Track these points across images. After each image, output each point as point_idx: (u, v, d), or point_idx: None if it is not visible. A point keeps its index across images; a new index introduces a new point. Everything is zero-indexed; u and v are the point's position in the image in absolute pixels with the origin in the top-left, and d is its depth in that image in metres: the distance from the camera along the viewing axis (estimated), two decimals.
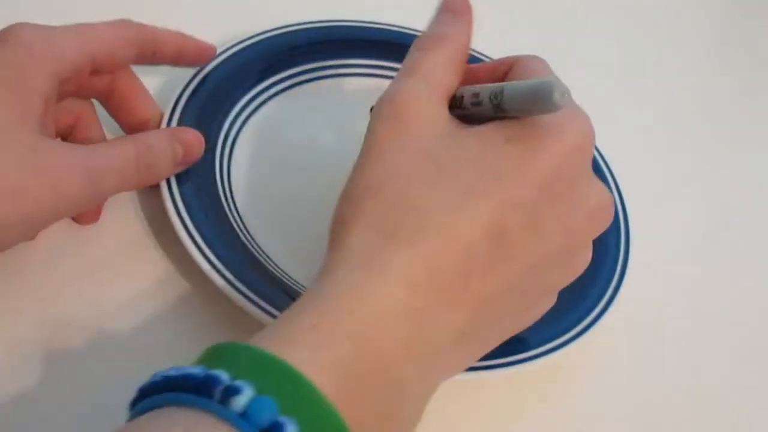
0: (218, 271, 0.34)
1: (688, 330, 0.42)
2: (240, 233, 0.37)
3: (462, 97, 0.32)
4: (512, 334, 0.31)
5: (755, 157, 0.53)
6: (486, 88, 0.30)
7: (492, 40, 0.44)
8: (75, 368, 0.33)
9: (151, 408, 0.23)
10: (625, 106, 0.53)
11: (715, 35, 0.62)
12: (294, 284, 0.36)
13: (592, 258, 0.40)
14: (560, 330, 0.36)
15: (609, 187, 0.42)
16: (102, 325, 0.34)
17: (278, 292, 0.35)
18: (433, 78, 0.31)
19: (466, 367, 0.31)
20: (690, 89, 0.56)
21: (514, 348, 0.35)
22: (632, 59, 0.57)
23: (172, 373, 0.24)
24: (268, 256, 0.37)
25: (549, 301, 0.32)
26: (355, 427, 0.23)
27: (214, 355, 0.25)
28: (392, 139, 0.30)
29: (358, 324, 0.25)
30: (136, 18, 0.37)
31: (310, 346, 0.24)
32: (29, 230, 0.32)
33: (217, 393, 0.22)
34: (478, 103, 0.31)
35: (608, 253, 0.40)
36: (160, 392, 0.24)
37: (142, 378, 0.31)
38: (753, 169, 0.52)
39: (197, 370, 0.23)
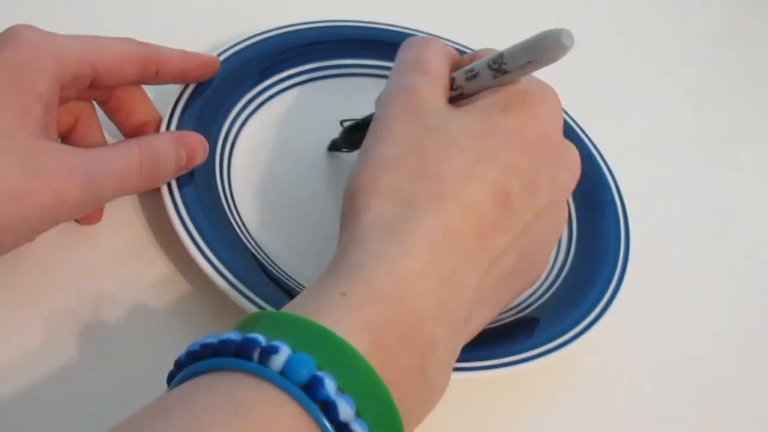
0: (218, 271, 0.34)
1: (688, 330, 0.42)
2: (240, 233, 0.37)
3: (454, 78, 0.34)
4: (514, 298, 0.34)
5: (757, 157, 0.53)
6: (481, 61, 0.33)
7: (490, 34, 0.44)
8: (75, 367, 0.33)
9: (190, 376, 0.24)
10: (626, 104, 0.53)
11: (717, 33, 0.62)
12: (294, 284, 0.36)
13: (592, 257, 0.40)
14: (560, 330, 0.36)
15: (609, 187, 0.43)
16: (102, 325, 0.35)
17: (279, 292, 0.35)
18: (431, 71, 0.34)
19: (479, 331, 0.32)
20: (692, 88, 0.56)
21: (514, 348, 0.35)
22: (632, 57, 0.57)
23: (210, 340, 0.25)
24: (268, 256, 0.37)
25: (543, 265, 0.35)
26: (390, 384, 0.24)
27: (248, 323, 0.26)
28: (403, 120, 0.32)
29: (388, 287, 0.27)
30: (137, 17, 0.37)
31: (342, 310, 0.26)
32: (29, 233, 0.32)
33: (256, 354, 0.24)
34: (473, 76, 0.33)
35: (608, 253, 0.40)
36: (198, 360, 0.25)
37: (142, 378, 0.31)
38: (754, 168, 0.52)
39: (234, 335, 0.24)
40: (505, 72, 0.32)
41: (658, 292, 0.43)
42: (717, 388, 0.40)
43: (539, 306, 0.38)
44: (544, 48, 0.29)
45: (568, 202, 0.35)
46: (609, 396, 0.38)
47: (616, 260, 0.40)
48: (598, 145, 0.44)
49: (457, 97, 0.34)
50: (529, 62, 0.31)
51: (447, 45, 0.37)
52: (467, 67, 0.34)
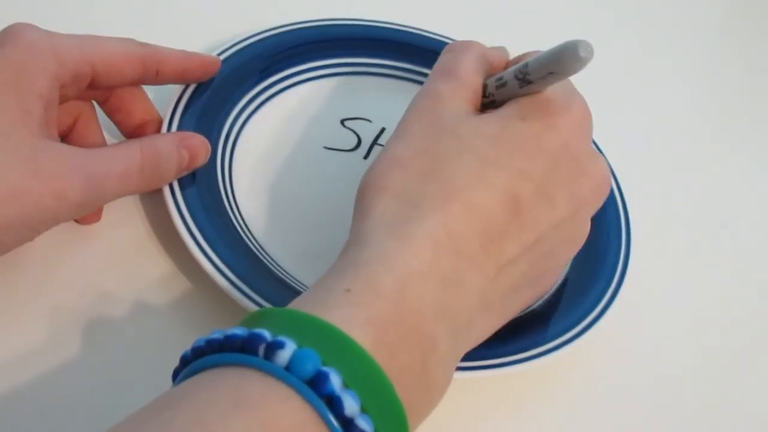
0: (219, 270, 0.34)
1: (689, 330, 0.42)
2: (241, 232, 0.37)
3: (486, 86, 0.35)
4: (524, 307, 0.34)
5: (759, 156, 0.53)
6: (509, 70, 0.33)
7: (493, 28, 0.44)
8: (77, 366, 0.33)
9: (196, 371, 0.24)
10: (626, 103, 0.53)
11: (720, 32, 0.62)
12: (296, 283, 0.36)
13: (593, 257, 0.40)
14: (561, 330, 0.36)
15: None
16: (102, 324, 0.35)
17: (280, 291, 0.35)
18: (460, 77, 0.34)
19: (487, 337, 0.32)
20: (694, 87, 0.56)
21: (514, 347, 0.35)
22: (633, 56, 0.57)
23: (215, 335, 0.25)
24: (269, 255, 0.37)
25: (556, 275, 0.35)
26: (392, 381, 0.25)
27: (253, 319, 0.26)
28: (421, 122, 0.32)
29: (390, 285, 0.27)
30: (137, 17, 0.37)
31: (346, 307, 0.26)
32: (29, 233, 0.32)
33: (261, 350, 0.24)
34: (502, 84, 0.33)
35: (608, 253, 0.40)
36: (203, 356, 0.25)
37: (144, 376, 0.31)
38: (757, 168, 0.52)
39: (240, 331, 0.24)
40: (530, 82, 0.32)
41: (658, 292, 0.43)
42: (717, 388, 0.40)
43: (539, 306, 0.38)
44: (563, 60, 0.30)
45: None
46: (609, 397, 0.38)
47: (617, 260, 0.40)
48: (598, 144, 0.44)
49: (489, 104, 0.34)
50: (550, 73, 0.31)
51: (489, 50, 0.36)
52: (497, 75, 0.34)
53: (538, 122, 0.32)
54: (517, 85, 0.32)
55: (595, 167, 0.33)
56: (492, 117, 0.32)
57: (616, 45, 0.57)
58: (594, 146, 0.44)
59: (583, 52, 0.29)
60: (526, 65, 0.32)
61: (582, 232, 0.34)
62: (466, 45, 0.36)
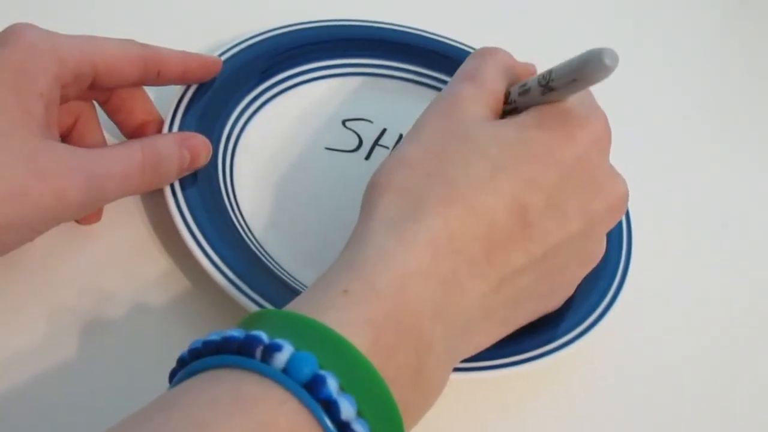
0: (220, 270, 0.34)
1: (689, 330, 0.42)
2: (242, 232, 0.37)
3: (509, 93, 0.34)
4: (531, 320, 0.34)
5: (759, 156, 0.53)
6: (533, 77, 0.33)
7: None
8: (77, 365, 0.33)
9: (193, 373, 0.24)
10: (627, 104, 0.53)
11: (719, 32, 0.62)
12: (296, 283, 0.36)
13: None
14: (562, 331, 0.36)
15: None
16: (102, 323, 0.35)
17: (280, 291, 0.35)
18: (482, 82, 0.33)
19: (489, 345, 0.32)
20: (694, 88, 0.56)
21: (515, 348, 0.35)
22: (633, 56, 0.57)
23: (212, 337, 0.25)
24: (269, 255, 0.37)
25: (567, 292, 0.34)
26: (388, 382, 0.25)
27: (251, 321, 0.26)
28: (435, 124, 0.32)
29: (388, 286, 0.27)
30: (137, 18, 0.37)
31: (343, 308, 0.26)
32: (30, 233, 0.32)
33: (258, 352, 0.24)
34: (525, 91, 0.33)
35: (610, 254, 0.40)
36: (200, 358, 0.25)
37: (143, 376, 0.31)
38: (757, 168, 0.52)
39: (237, 333, 0.24)
40: (552, 89, 0.31)
41: (659, 291, 0.43)
42: (718, 388, 0.40)
43: None
44: (587, 67, 0.29)
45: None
46: (610, 397, 0.38)
47: (618, 260, 0.40)
48: None
49: (511, 111, 0.34)
50: (574, 80, 0.30)
51: (516, 61, 0.36)
52: (522, 82, 0.34)
53: (555, 132, 0.31)
54: (539, 92, 0.32)
55: (612, 186, 0.33)
56: (508, 123, 0.32)
57: (616, 45, 0.57)
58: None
59: (608, 60, 0.28)
60: (550, 72, 0.31)
61: (597, 249, 0.34)
62: (492, 51, 0.35)
